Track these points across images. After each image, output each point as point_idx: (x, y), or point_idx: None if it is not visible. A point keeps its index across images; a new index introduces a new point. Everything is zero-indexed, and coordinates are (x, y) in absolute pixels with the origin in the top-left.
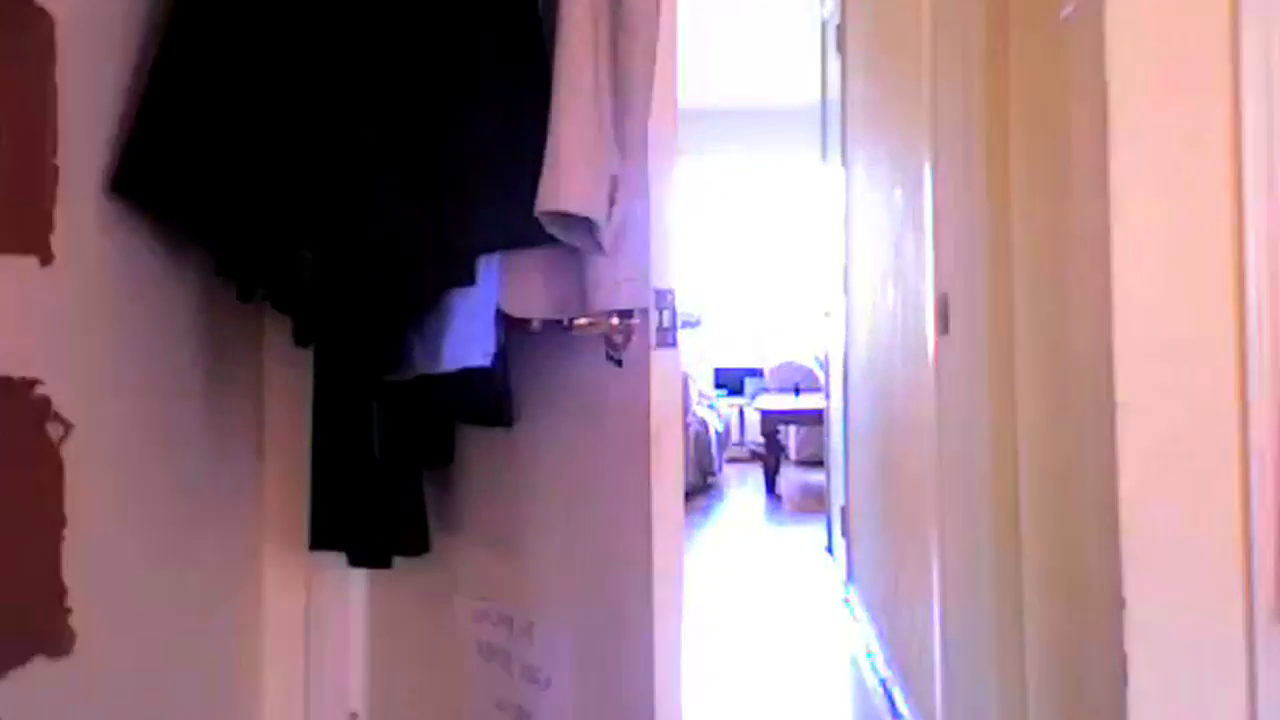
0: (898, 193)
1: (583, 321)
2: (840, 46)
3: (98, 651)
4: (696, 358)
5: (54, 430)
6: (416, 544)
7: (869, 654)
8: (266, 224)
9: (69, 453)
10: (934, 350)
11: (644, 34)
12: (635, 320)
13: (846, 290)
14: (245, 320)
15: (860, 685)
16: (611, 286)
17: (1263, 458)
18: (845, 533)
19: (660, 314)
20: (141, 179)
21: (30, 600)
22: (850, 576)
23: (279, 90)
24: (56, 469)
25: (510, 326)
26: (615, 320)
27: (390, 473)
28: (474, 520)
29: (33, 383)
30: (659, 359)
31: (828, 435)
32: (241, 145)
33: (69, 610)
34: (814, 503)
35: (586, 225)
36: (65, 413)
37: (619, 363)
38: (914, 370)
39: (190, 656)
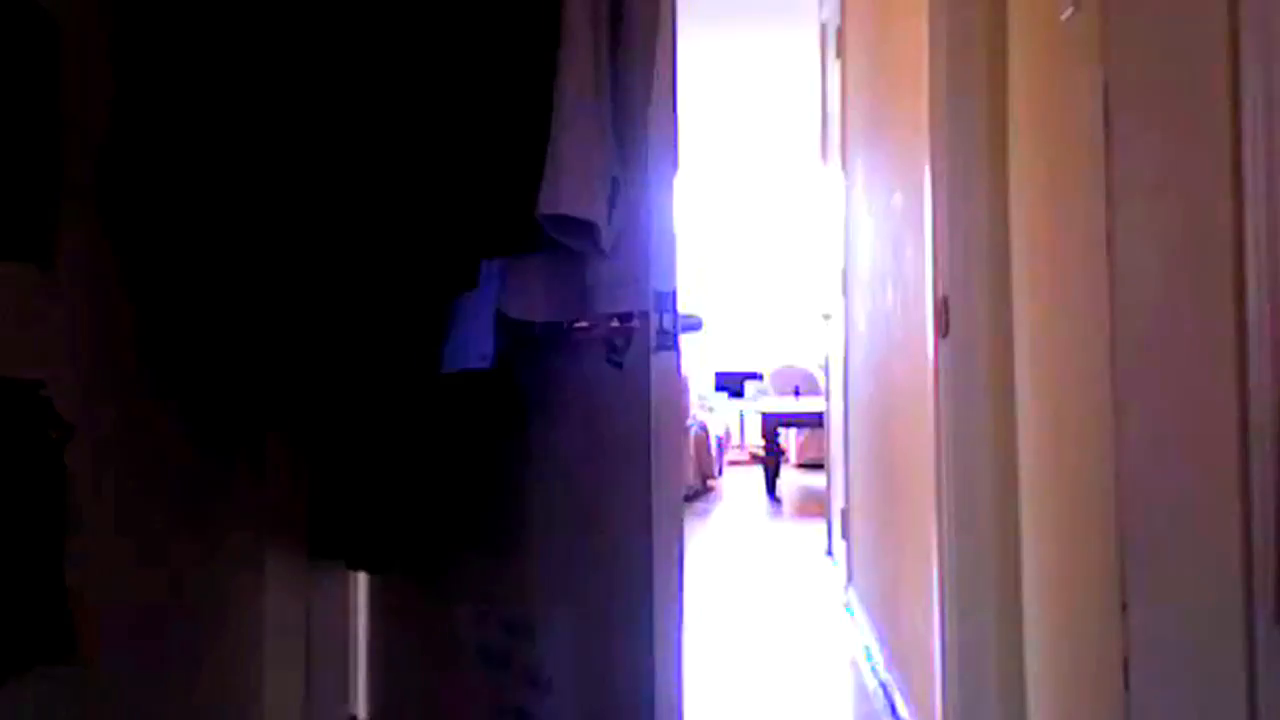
0: (897, 195)
1: (583, 324)
2: (840, 50)
3: (99, 656)
4: (697, 360)
5: (56, 433)
6: (418, 549)
7: (869, 656)
8: (263, 232)
9: (71, 456)
10: (934, 352)
11: (644, 38)
12: (635, 323)
13: (846, 293)
14: (247, 323)
15: (860, 687)
16: (611, 289)
17: (1263, 457)
18: (845, 535)
19: (660, 317)
20: (119, 199)
21: (32, 605)
22: (850, 579)
23: (270, 95)
24: (58, 472)
25: (510, 330)
26: (615, 323)
27: (391, 478)
28: (474, 523)
29: (35, 386)
30: (659, 361)
31: (828, 438)
32: (232, 155)
33: (70, 614)
34: (814, 505)
35: (587, 228)
36: (67, 416)
37: (619, 365)
38: (914, 372)
39: (191, 660)
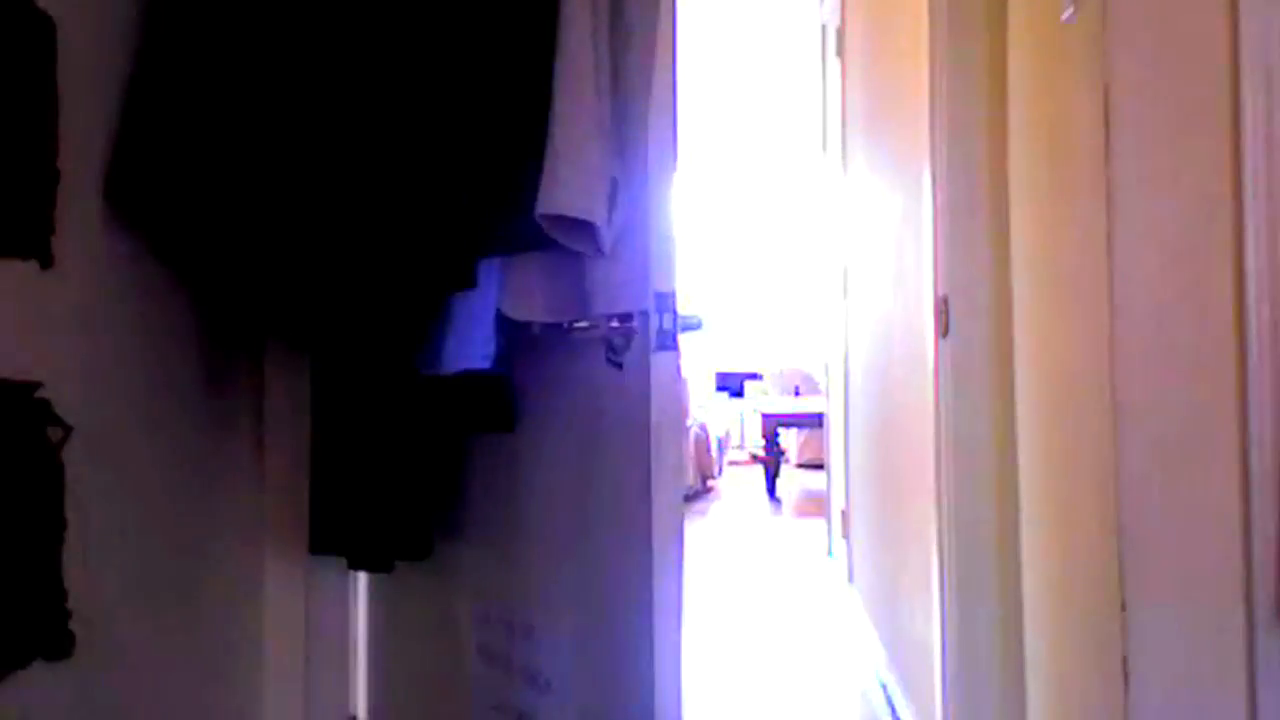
0: (897, 195)
1: (583, 324)
2: (840, 50)
3: (97, 655)
4: (697, 360)
5: (54, 433)
6: (418, 548)
7: (869, 656)
8: (263, 228)
9: (69, 456)
10: (934, 352)
11: (644, 37)
12: (635, 323)
13: (847, 293)
14: (246, 323)
15: (860, 688)
16: (611, 289)
17: (1263, 458)
18: (845, 535)
19: (660, 317)
20: (127, 187)
21: (30, 604)
22: (850, 579)
23: (274, 91)
24: (57, 472)
25: (510, 330)
26: (615, 323)
27: (392, 476)
28: (474, 523)
29: (33, 385)
30: (659, 362)
31: (828, 438)
32: (232, 149)
33: (69, 613)
34: (814, 505)
35: (586, 229)
36: (66, 416)
37: (619, 366)
38: (914, 372)
39: (190, 659)
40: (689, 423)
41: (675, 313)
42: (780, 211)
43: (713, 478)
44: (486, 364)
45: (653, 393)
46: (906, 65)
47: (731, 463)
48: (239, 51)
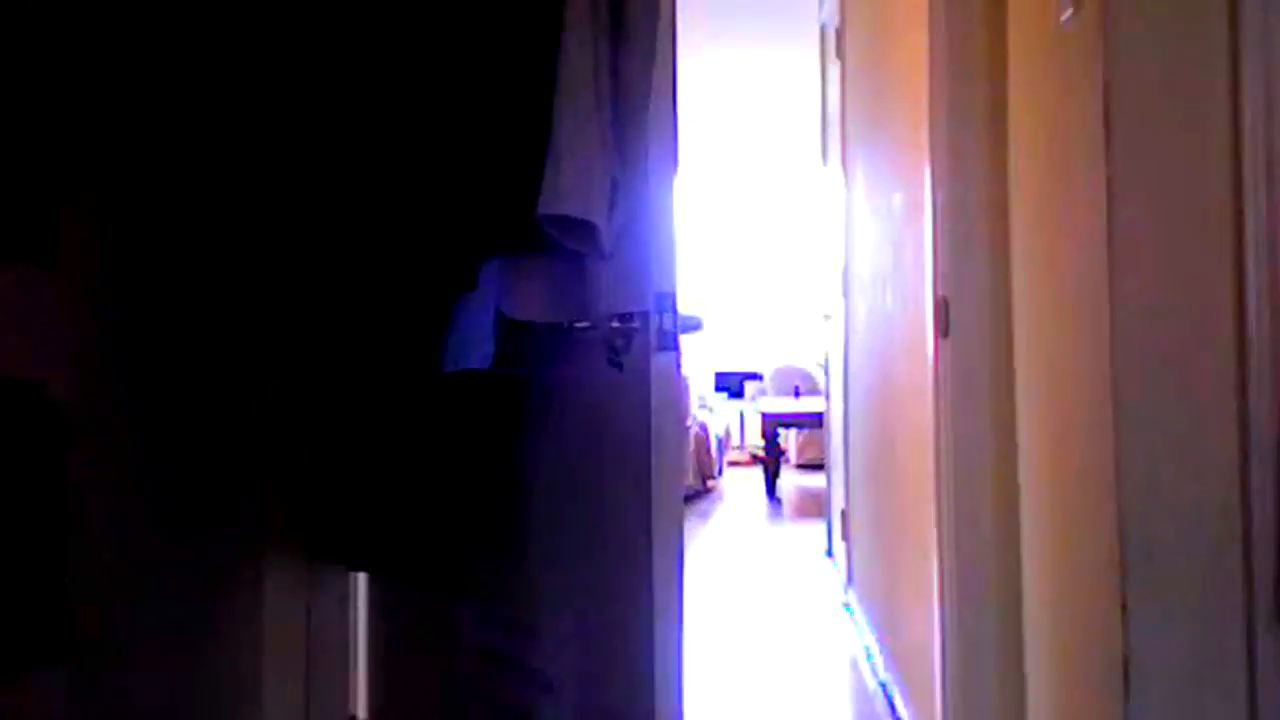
0: (897, 196)
1: (584, 325)
2: (839, 52)
3: (98, 656)
4: (697, 360)
5: (57, 434)
6: (416, 550)
7: (869, 657)
8: (261, 230)
9: (71, 456)
10: (934, 353)
11: (643, 38)
12: (635, 324)
13: (846, 293)
14: (246, 323)
15: (860, 688)
16: (611, 290)
17: (1262, 457)
18: (845, 536)
19: (661, 317)
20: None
21: (32, 605)
22: (850, 579)
23: (270, 93)
24: (59, 472)
25: (511, 330)
26: (616, 324)
27: (392, 478)
28: (475, 523)
29: (37, 386)
30: (659, 362)
31: (828, 438)
32: (233, 150)
33: (72, 614)
34: (814, 506)
35: (587, 229)
36: (67, 416)
37: (620, 366)
38: (914, 373)
39: (191, 660)
40: (689, 423)
41: (675, 313)
42: (780, 211)
43: (713, 478)
44: (486, 364)
45: (653, 393)
46: (906, 66)
47: (731, 463)
48: (249, 62)
